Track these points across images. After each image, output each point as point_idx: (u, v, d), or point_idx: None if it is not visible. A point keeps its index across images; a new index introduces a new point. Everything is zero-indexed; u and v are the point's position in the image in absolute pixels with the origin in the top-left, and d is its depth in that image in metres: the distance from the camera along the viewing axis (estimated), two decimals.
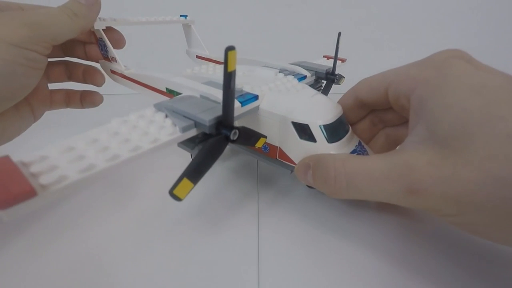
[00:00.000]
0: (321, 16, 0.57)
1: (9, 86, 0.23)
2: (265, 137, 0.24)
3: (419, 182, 0.17)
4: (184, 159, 0.33)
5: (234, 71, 0.17)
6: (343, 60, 0.41)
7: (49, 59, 0.32)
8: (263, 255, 0.23)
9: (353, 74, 0.37)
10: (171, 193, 0.17)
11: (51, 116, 0.33)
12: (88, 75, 0.33)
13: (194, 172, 0.18)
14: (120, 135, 0.18)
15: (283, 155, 0.26)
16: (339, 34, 0.32)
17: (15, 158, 0.14)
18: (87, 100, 0.34)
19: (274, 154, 0.27)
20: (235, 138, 0.20)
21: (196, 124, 0.19)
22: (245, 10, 0.56)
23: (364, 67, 0.41)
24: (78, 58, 0.34)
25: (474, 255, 0.23)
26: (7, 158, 0.14)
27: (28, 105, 0.28)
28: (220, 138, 0.19)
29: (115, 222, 0.25)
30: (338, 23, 0.56)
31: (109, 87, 0.35)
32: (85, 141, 0.17)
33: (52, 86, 0.33)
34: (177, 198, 0.18)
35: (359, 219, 0.27)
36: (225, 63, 0.16)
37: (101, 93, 0.35)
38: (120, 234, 0.24)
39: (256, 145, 0.24)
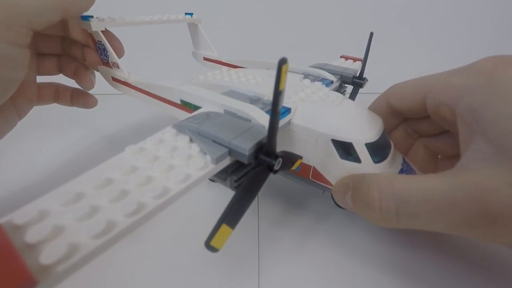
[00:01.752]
0: (335, 14, 0.53)
1: None
2: (301, 157, 0.21)
3: (501, 208, 0.14)
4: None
5: (284, 90, 0.13)
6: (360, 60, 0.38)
7: (45, 53, 0.27)
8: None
9: (374, 75, 0.33)
10: (207, 245, 0.14)
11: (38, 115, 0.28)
12: (77, 75, 0.28)
13: (234, 216, 0.14)
14: (140, 171, 0.14)
15: (318, 175, 0.23)
16: (371, 34, 0.28)
17: (2, 216, 0.10)
18: (79, 101, 0.29)
19: (306, 174, 0.24)
20: (278, 167, 0.16)
21: (231, 152, 0.16)
22: (254, 8, 0.51)
23: (383, 67, 0.37)
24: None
25: None
26: None
27: (12, 103, 0.23)
28: (262, 169, 0.16)
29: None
30: (354, 21, 0.52)
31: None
32: (96, 183, 0.13)
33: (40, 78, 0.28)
34: (214, 250, 0.14)
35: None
36: (277, 80, 0.12)
37: (91, 91, 0.30)
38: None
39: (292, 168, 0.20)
